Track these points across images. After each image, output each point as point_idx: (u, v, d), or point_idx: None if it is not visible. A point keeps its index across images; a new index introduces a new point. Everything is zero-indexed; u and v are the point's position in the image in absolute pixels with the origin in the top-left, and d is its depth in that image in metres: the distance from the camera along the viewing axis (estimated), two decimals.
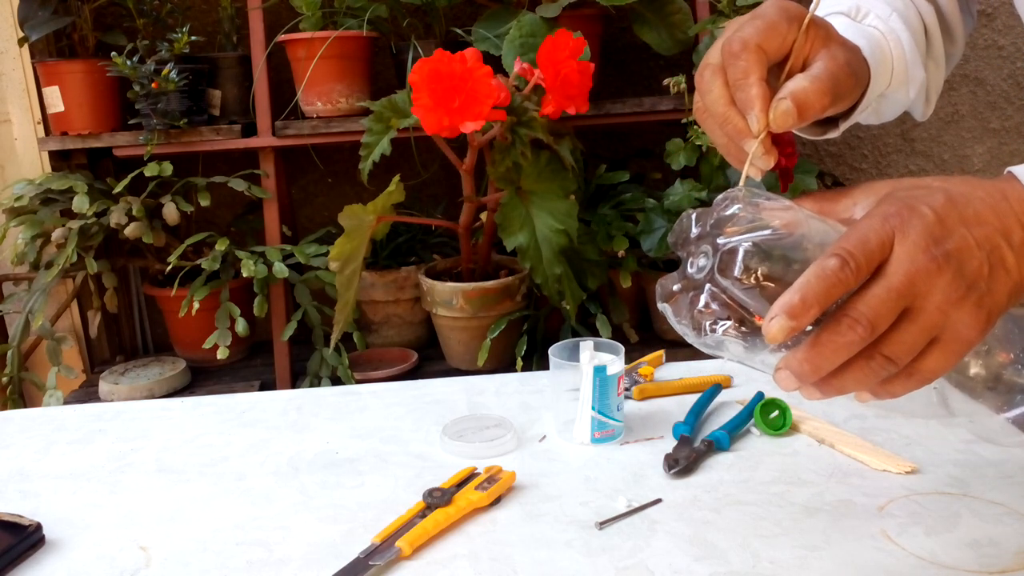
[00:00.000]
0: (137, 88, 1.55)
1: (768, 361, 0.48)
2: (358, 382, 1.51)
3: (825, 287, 0.43)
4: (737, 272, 0.46)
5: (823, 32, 0.54)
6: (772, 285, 0.46)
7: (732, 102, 0.54)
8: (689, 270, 0.49)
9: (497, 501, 0.68)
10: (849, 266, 0.43)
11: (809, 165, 1.57)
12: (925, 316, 0.44)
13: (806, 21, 0.53)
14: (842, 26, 0.62)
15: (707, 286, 0.47)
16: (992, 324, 0.45)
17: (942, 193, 0.45)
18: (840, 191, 0.53)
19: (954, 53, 0.72)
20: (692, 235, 0.50)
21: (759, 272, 0.46)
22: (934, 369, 0.45)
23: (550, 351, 0.81)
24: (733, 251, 0.46)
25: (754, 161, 0.53)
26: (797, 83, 0.52)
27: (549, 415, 0.85)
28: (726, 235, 0.47)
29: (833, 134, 0.64)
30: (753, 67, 0.52)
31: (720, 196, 0.49)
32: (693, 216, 0.50)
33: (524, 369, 1.53)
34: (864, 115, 0.66)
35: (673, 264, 1.69)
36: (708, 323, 0.47)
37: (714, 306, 0.47)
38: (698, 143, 1.53)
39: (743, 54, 0.52)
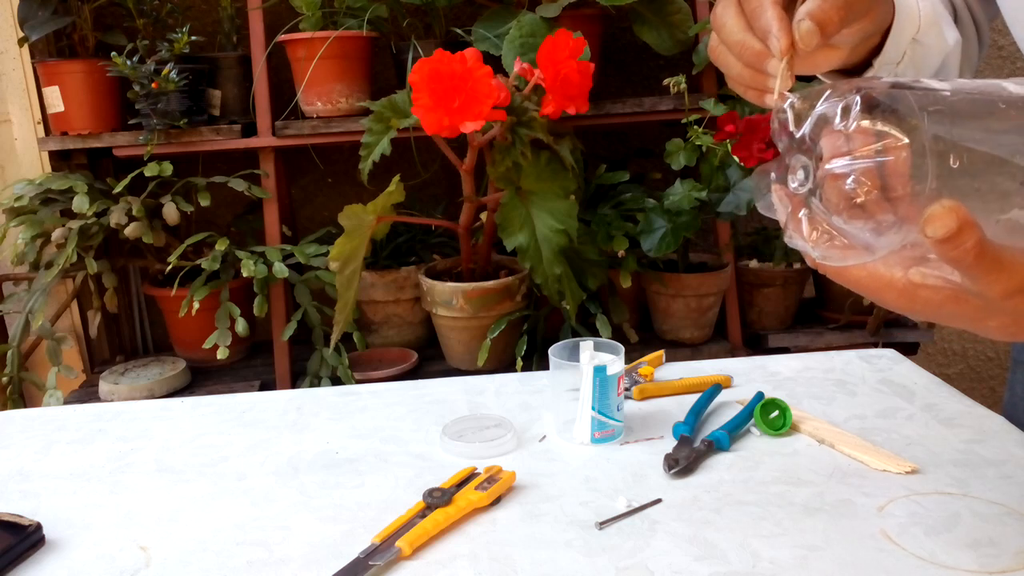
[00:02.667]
0: (137, 88, 1.55)
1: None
2: (358, 382, 1.50)
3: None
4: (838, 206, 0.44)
5: None
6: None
7: (748, 28, 0.54)
8: (792, 184, 0.48)
9: (497, 501, 0.68)
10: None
11: None
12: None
13: None
14: None
15: (804, 210, 0.47)
16: None
17: None
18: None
19: (972, 37, 0.73)
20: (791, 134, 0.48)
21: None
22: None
23: (550, 351, 0.81)
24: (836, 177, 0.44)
25: (780, 80, 0.52)
26: (809, 4, 0.52)
27: (549, 415, 0.85)
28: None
29: (870, 73, 0.64)
30: None
31: (822, 98, 0.47)
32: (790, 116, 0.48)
33: (524, 369, 1.53)
34: (903, 65, 0.66)
35: (673, 264, 1.69)
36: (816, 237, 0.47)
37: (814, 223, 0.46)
38: (698, 143, 1.53)
39: None
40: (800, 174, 0.47)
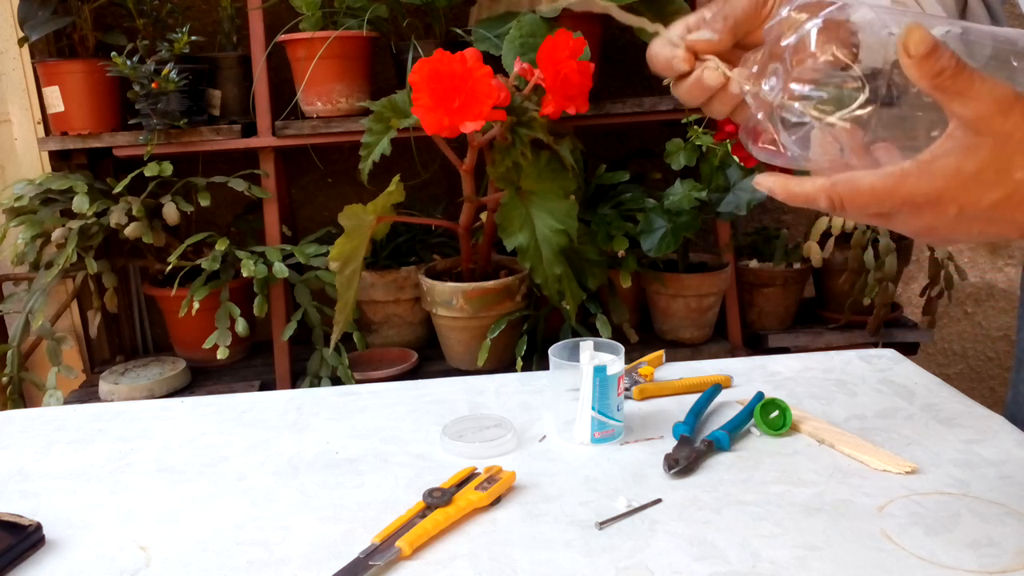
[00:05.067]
0: (137, 88, 1.55)
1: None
2: (358, 382, 1.50)
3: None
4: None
5: None
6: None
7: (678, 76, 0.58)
8: (765, 88, 0.52)
9: (497, 501, 0.68)
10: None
11: None
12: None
13: None
14: None
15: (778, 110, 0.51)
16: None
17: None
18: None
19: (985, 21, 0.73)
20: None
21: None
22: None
23: (550, 351, 0.81)
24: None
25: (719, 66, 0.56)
26: (700, 30, 0.56)
27: (549, 415, 0.85)
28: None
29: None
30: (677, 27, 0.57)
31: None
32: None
33: (524, 369, 1.53)
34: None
35: (673, 264, 1.69)
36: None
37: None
38: (698, 143, 1.53)
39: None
40: (773, 79, 0.51)
